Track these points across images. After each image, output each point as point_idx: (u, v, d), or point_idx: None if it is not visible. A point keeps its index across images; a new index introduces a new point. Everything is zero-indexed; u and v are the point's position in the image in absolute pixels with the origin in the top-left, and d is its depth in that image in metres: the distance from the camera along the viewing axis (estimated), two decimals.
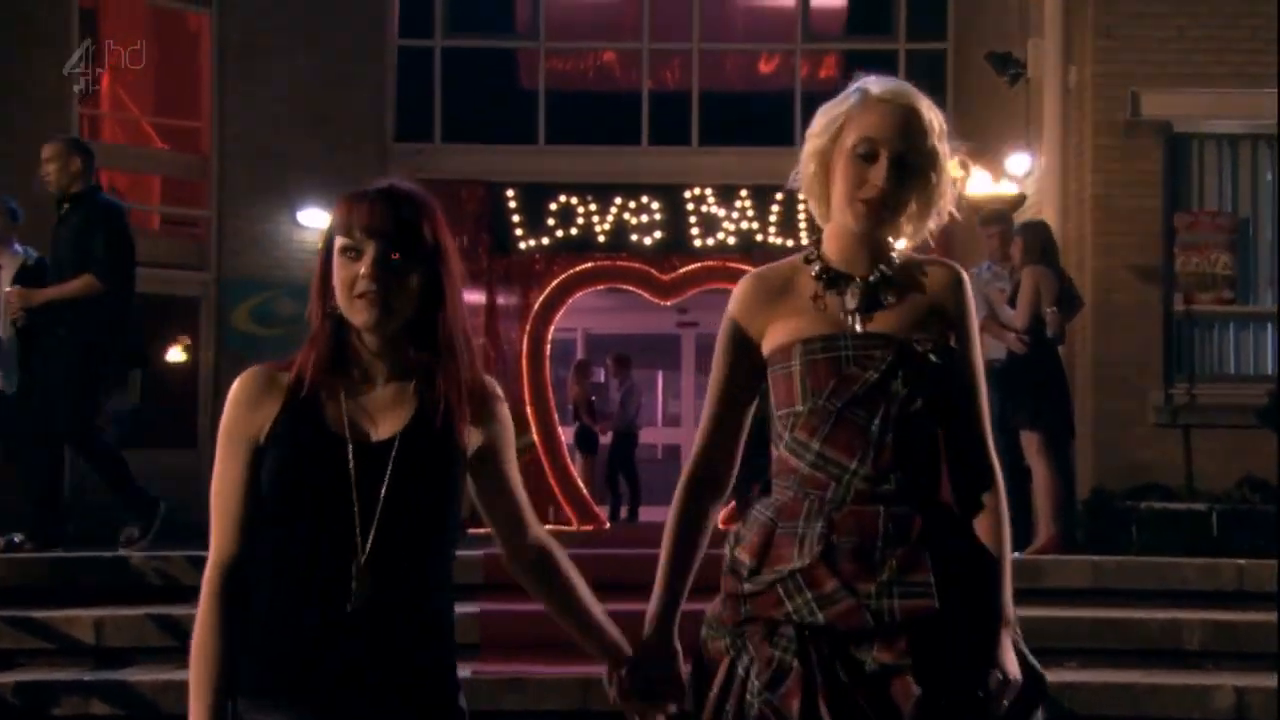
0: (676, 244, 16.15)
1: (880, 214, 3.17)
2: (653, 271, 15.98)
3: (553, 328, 15.97)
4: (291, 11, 15.16)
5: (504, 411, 3.14)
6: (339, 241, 2.89)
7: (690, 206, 16.18)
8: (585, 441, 17.34)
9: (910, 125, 3.13)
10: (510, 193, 16.06)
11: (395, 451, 2.90)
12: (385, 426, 2.94)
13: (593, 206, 16.09)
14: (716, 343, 3.31)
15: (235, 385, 3.00)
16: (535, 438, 15.45)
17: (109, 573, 9.16)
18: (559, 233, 16.09)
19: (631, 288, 16.17)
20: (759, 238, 16.11)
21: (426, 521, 2.93)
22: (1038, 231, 10.67)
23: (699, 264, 15.98)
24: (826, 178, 3.22)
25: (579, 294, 16.04)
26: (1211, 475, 11.35)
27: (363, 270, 2.85)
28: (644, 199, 16.14)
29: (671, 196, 16.15)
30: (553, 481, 15.55)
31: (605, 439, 17.53)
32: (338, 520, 2.85)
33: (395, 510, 2.87)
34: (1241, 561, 9.21)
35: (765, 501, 3.25)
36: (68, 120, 13.76)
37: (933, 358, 3.14)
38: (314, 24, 15.26)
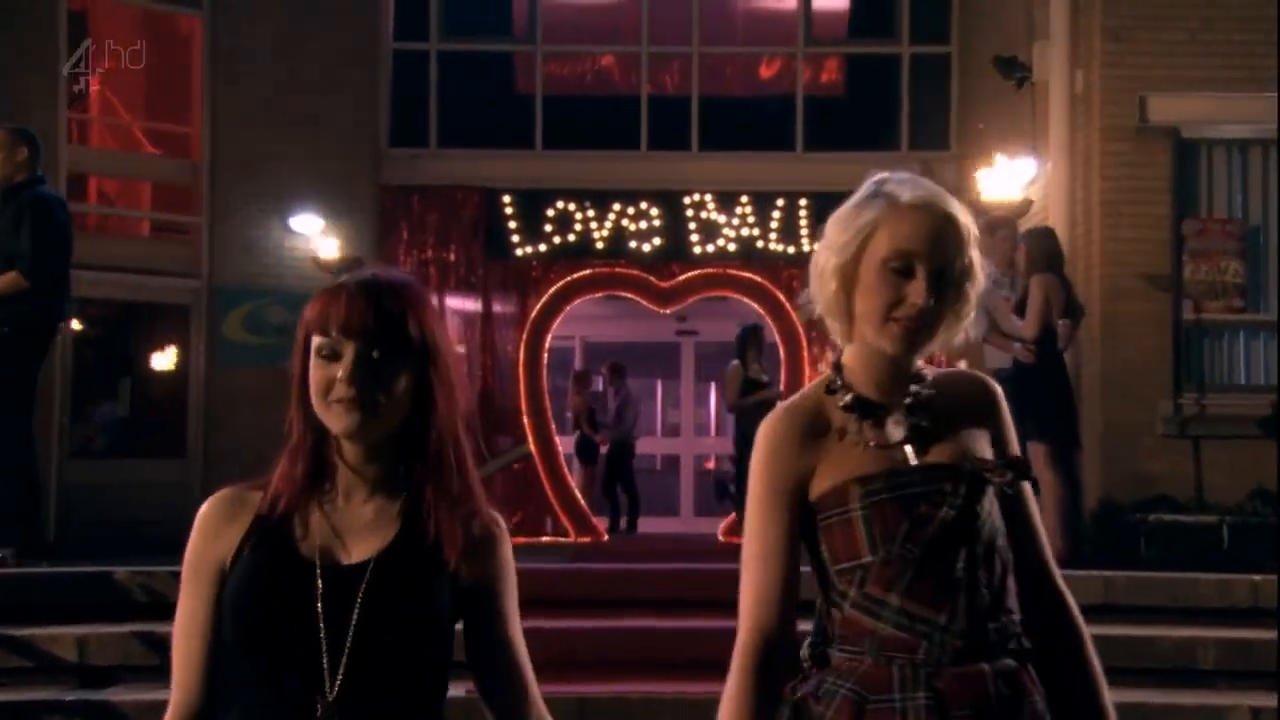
0: (676, 251, 16.07)
1: (918, 334, 2.80)
2: (651, 279, 15.90)
3: (550, 336, 15.87)
4: (284, 14, 15.08)
5: (505, 549, 2.75)
6: (315, 341, 2.59)
7: (690, 213, 16.11)
8: (585, 452, 17.17)
9: (947, 235, 2.79)
10: (507, 199, 16.00)
11: (369, 575, 2.57)
12: (361, 548, 2.62)
13: (590, 213, 16.03)
14: (751, 496, 2.89)
15: (201, 510, 2.69)
16: (532, 448, 15.38)
17: (93, 588, 8.99)
18: (556, 239, 16.03)
19: (630, 295, 16.08)
20: (759, 245, 16.05)
21: (404, 655, 2.57)
22: (1043, 239, 10.61)
23: (698, 271, 15.90)
24: (850, 295, 2.84)
25: (577, 301, 15.94)
26: (1221, 487, 11.27)
27: (340, 373, 2.55)
28: (643, 205, 16.07)
29: (671, 202, 16.08)
30: (550, 492, 15.46)
31: (605, 449, 17.35)
32: (303, 652, 2.53)
33: (367, 642, 2.53)
34: (1256, 578, 9.08)
35: (833, 671, 2.81)
36: (56, 124, 13.63)
37: (1006, 486, 2.82)
38: (307, 27, 15.17)
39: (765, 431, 2.88)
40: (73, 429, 13.93)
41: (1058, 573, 2.96)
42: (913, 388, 2.87)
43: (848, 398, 2.87)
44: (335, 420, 2.57)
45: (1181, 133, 12.17)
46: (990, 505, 2.79)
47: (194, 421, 14.47)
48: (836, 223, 2.87)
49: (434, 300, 2.58)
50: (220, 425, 14.03)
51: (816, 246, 2.90)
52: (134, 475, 13.88)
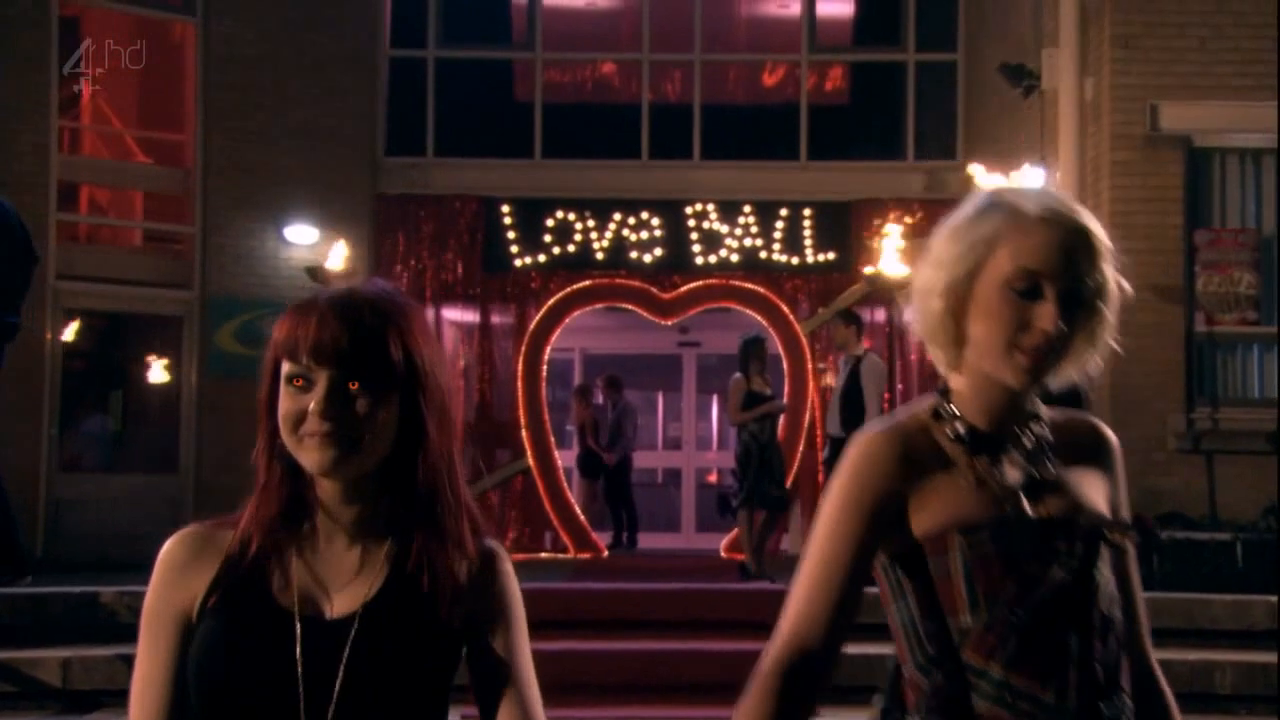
0: (677, 261, 16.06)
1: (1045, 364, 2.43)
2: (653, 290, 15.77)
3: (549, 348, 15.75)
4: (279, 20, 15.00)
5: (507, 582, 2.43)
6: (284, 367, 2.28)
7: (692, 223, 16.10)
8: (587, 466, 16.98)
9: (1080, 251, 2.43)
10: (505, 208, 16.00)
11: (355, 630, 2.28)
12: (345, 599, 2.32)
13: (591, 222, 16.02)
14: (825, 511, 2.49)
15: (162, 552, 2.37)
16: (531, 462, 15.31)
17: (78, 609, 8.99)
18: (556, 250, 16.01)
19: (631, 306, 15.92)
20: (763, 255, 16.04)
21: (395, 718, 2.29)
22: None
23: (700, 282, 15.81)
24: (960, 318, 2.48)
25: (576, 313, 15.80)
26: (1235, 504, 11.20)
27: (313, 405, 2.24)
28: (644, 215, 16.05)
29: (672, 212, 16.06)
30: (549, 508, 15.39)
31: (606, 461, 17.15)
32: (281, 715, 2.24)
33: (354, 706, 2.24)
34: (1273, 599, 8.98)
35: None
36: (47, 132, 13.58)
37: (1128, 547, 2.51)
38: (302, 33, 15.11)
39: (859, 449, 2.50)
40: (62, 442, 13.86)
41: (1153, 652, 2.65)
42: (1032, 427, 2.52)
43: (959, 427, 2.51)
44: (308, 457, 2.26)
45: (1193, 141, 12.11)
46: (1107, 569, 2.46)
47: (186, 436, 14.35)
48: (947, 235, 2.51)
49: (424, 314, 2.38)
50: (213, 439, 13.88)
51: (919, 262, 2.55)
52: (125, 490, 13.86)
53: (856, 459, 2.49)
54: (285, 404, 2.28)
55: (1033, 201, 2.44)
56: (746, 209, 15.97)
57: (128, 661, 8.17)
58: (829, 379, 15.18)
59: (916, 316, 2.51)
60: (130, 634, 7.47)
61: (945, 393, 2.54)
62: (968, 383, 2.51)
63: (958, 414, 2.50)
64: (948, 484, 2.46)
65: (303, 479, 2.32)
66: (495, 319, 16.08)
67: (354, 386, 2.25)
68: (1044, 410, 2.55)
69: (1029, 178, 12.69)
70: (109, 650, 8.37)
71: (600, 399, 17.07)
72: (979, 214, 2.47)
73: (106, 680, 8.19)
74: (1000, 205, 2.45)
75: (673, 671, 8.95)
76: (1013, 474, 2.46)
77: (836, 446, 11.94)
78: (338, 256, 14.49)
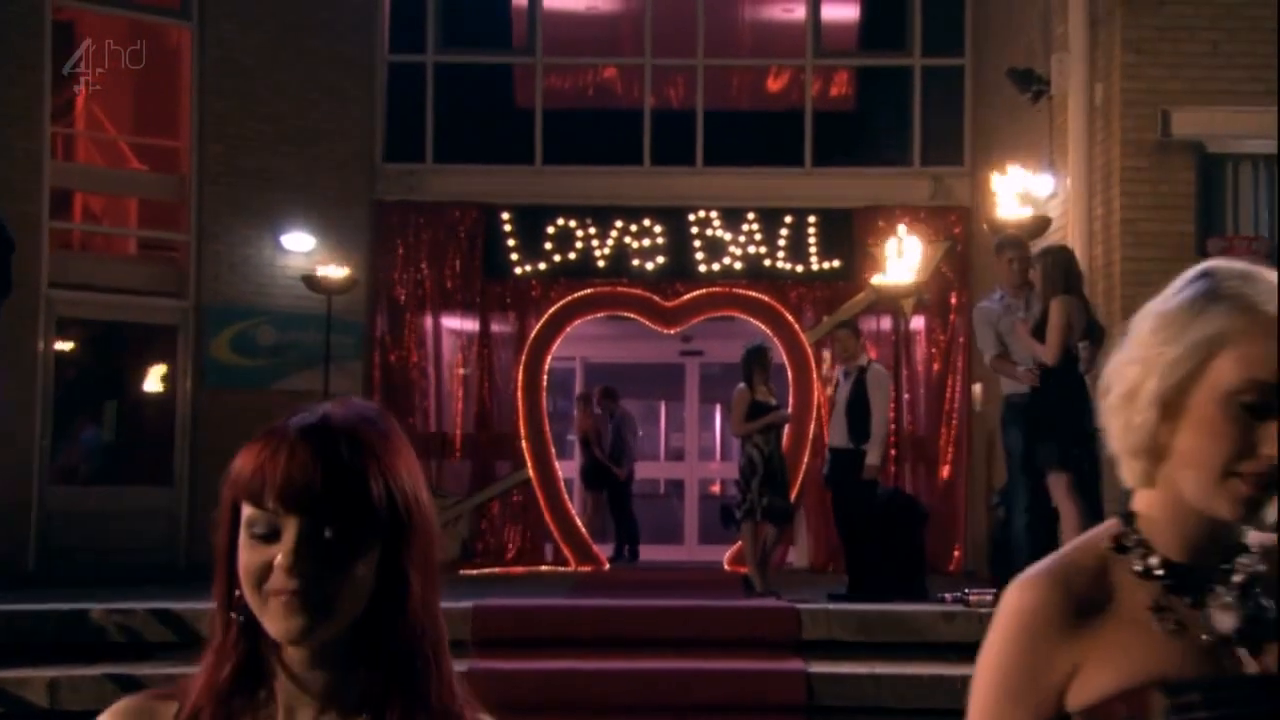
0: (680, 269, 15.97)
1: (1268, 496, 2.01)
2: (655, 298, 15.74)
3: (550, 357, 15.70)
4: (276, 24, 14.95)
5: None
6: (245, 511, 1.91)
7: (694, 230, 16.00)
8: (590, 477, 16.81)
9: None
10: (505, 215, 15.94)
11: None
12: None
13: (592, 230, 15.93)
14: (978, 697, 2.08)
15: None
16: (531, 474, 15.25)
17: (65, 627, 8.93)
18: (556, 257, 15.93)
19: (633, 315, 15.92)
20: (767, 263, 15.96)
21: None
22: (1060, 258, 10.38)
23: (703, 290, 15.76)
24: (1171, 425, 2.05)
25: (577, 322, 15.77)
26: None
27: (279, 559, 1.87)
28: (646, 222, 15.97)
29: (675, 219, 15.98)
30: (549, 520, 15.33)
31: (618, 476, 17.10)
32: None
33: None
34: None
35: None
36: (40, 139, 13.52)
37: None
38: (299, 38, 15.05)
39: (1016, 604, 2.07)
40: (55, 454, 13.79)
41: None
42: (1240, 560, 2.04)
43: (1152, 561, 2.06)
44: (273, 620, 1.89)
45: (1206, 147, 11.91)
46: None
47: (181, 447, 14.27)
48: (1159, 327, 2.06)
49: (405, 440, 1.94)
50: (208, 451, 13.77)
51: (1119, 354, 2.12)
52: (118, 502, 13.84)
53: (1010, 623, 2.06)
54: (247, 556, 1.90)
55: (1266, 294, 2.02)
56: (750, 216, 15.89)
57: (117, 682, 8.19)
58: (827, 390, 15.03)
59: (1114, 424, 2.09)
60: (121, 653, 7.33)
61: (1130, 517, 2.10)
62: (1162, 504, 2.07)
63: (1150, 544, 2.07)
64: (1135, 633, 2.01)
65: (263, 638, 1.94)
66: (495, 328, 15.99)
67: (329, 537, 1.88)
68: (1255, 536, 2.08)
69: (1039, 184, 12.57)
70: (97, 670, 8.29)
71: (598, 410, 16.94)
72: (1199, 305, 2.04)
73: (95, 700, 7.78)
74: (1227, 297, 2.02)
75: (677, 692, 8.74)
76: (1224, 619, 2.01)
77: (838, 460, 11.85)
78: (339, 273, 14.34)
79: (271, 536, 1.88)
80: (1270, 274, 1.99)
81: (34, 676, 8.24)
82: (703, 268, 15.91)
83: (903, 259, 13.30)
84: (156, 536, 13.57)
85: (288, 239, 14.72)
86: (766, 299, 15.47)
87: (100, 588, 10.16)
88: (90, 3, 14.59)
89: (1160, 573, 2.03)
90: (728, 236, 15.91)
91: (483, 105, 16.69)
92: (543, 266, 15.87)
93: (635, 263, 15.92)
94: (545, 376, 15.60)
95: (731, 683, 8.77)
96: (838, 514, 12.29)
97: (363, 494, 1.88)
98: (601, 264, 15.92)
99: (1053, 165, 12.82)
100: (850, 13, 17.43)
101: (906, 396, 15.51)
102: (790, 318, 15.37)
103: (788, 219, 15.78)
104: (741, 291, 15.59)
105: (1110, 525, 2.09)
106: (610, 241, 15.90)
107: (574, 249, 15.88)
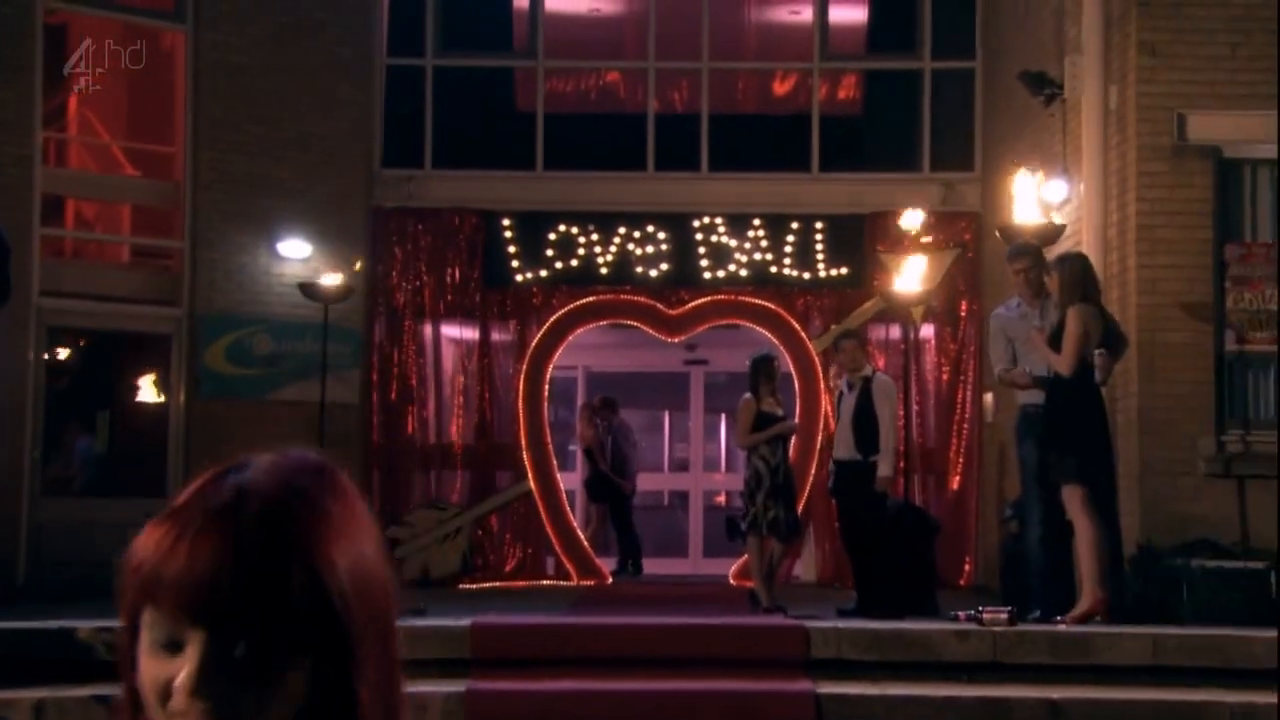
0: (684, 276, 15.92)
1: None
2: (659, 306, 15.69)
3: (552, 366, 15.71)
4: (272, 27, 14.89)
5: None
6: (145, 616, 1.49)
7: (699, 236, 15.94)
8: (596, 489, 16.60)
9: None
10: (506, 222, 15.88)
11: None
12: None
13: (594, 236, 15.85)
14: None
15: None
16: (533, 485, 15.20)
17: (52, 646, 8.77)
18: (558, 264, 15.86)
19: (636, 323, 15.90)
20: (773, 270, 15.89)
21: None
22: (1076, 266, 10.38)
23: (708, 298, 15.76)
24: None
25: (580, 330, 15.77)
26: (1268, 531, 10.76)
27: (181, 679, 1.45)
28: (649, 228, 15.90)
29: (679, 226, 15.92)
30: (551, 532, 15.30)
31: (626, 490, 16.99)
32: None
33: None
34: None
35: None
36: (32, 144, 13.45)
37: None
38: (296, 40, 15.00)
39: None
40: (46, 465, 13.73)
41: None
42: None
43: None
44: None
45: (1223, 152, 11.86)
46: None
47: (174, 457, 14.18)
48: None
49: (354, 496, 1.44)
50: (202, 461, 13.39)
51: None
52: (111, 514, 13.51)
53: None
54: (147, 666, 1.50)
55: None
56: (756, 222, 15.80)
57: (104, 703, 7.97)
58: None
59: None
60: (107, 673, 7.17)
61: None
62: None
63: None
64: None
65: None
66: (495, 336, 15.89)
67: (239, 654, 1.46)
68: None
69: (1052, 190, 12.46)
70: (85, 690, 8.13)
71: (596, 420, 16.77)
72: None
73: None
74: None
75: (682, 713, 8.67)
76: None
77: (844, 472, 11.72)
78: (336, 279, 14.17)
79: (173, 647, 1.48)
80: None
81: (20, 697, 8.10)
82: (707, 275, 15.85)
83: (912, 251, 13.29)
84: None
85: (284, 246, 14.61)
86: (773, 307, 15.42)
87: (90, 602, 9.96)
88: (82, 5, 14.53)
89: None
90: (733, 243, 15.84)
91: (483, 109, 16.69)
92: (544, 273, 15.79)
93: (638, 270, 15.86)
94: (547, 386, 15.58)
95: (738, 704, 8.64)
96: (843, 527, 12.15)
97: (284, 597, 1.46)
98: (604, 271, 15.84)
99: (1066, 170, 12.77)
100: (858, 15, 17.41)
101: (916, 406, 15.32)
102: (797, 326, 15.31)
103: (794, 225, 15.70)
104: (747, 299, 15.53)
105: None
106: (613, 248, 15.81)
107: (576, 256, 15.80)
